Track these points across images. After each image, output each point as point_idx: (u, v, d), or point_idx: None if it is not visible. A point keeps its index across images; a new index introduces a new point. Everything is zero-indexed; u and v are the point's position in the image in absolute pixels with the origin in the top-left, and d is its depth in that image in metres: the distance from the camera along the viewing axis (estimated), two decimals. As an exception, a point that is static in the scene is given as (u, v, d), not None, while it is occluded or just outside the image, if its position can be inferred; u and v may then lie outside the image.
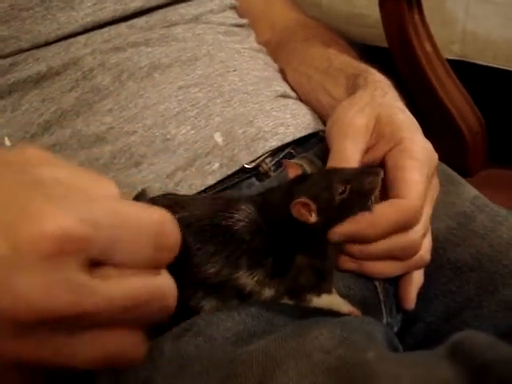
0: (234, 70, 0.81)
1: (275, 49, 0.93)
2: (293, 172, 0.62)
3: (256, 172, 0.75)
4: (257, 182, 0.74)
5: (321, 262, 0.60)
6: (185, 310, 0.57)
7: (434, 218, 0.68)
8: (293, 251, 0.58)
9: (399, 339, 0.64)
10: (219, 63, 0.81)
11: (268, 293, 0.58)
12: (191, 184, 0.71)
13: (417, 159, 0.63)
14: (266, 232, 0.57)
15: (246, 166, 0.74)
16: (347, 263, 0.63)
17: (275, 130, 0.77)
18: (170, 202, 0.59)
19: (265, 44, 0.92)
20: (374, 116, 0.67)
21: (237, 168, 0.73)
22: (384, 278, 0.66)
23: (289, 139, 0.77)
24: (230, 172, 0.73)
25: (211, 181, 0.72)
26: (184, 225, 0.56)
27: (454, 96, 0.97)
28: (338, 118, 0.68)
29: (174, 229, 0.37)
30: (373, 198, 0.60)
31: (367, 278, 0.65)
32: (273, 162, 0.76)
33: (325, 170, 0.63)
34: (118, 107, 0.74)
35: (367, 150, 0.66)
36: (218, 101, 0.77)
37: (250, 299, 0.58)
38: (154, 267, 0.36)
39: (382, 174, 0.60)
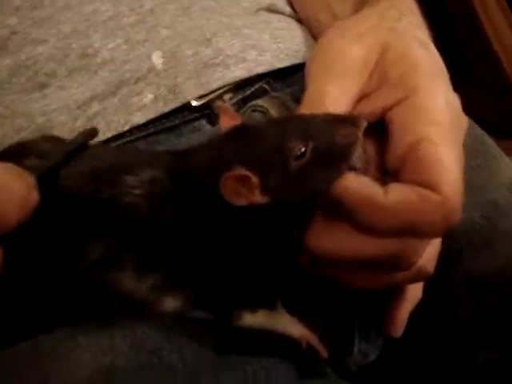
0: None
1: None
2: (226, 121, 0.40)
3: (208, 112, 0.53)
4: (208, 126, 0.53)
5: (263, 262, 0.39)
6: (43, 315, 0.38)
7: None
8: (216, 244, 0.37)
9: (378, 369, 0.44)
10: None
11: (170, 304, 0.37)
12: (110, 121, 0.51)
13: (442, 125, 0.40)
14: (171, 212, 0.36)
15: (192, 102, 0.52)
16: (310, 266, 0.42)
17: (242, 54, 0.54)
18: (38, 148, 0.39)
19: None
20: (378, 47, 0.44)
21: (178, 104, 0.52)
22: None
23: (261, 69, 0.55)
24: (167, 109, 0.52)
25: (140, 118, 0.51)
26: (55, 193, 0.36)
27: (504, 34, 0.73)
28: (323, 46, 0.46)
29: None
30: (356, 162, 0.38)
31: (339, 285, 0.44)
32: (234, 100, 0.54)
33: (275, 120, 0.41)
34: (28, 5, 0.53)
35: (361, 98, 0.44)
36: (172, 7, 0.56)
37: (144, 312, 0.38)
38: None
39: (364, 124, 0.38)
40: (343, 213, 0.37)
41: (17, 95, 0.51)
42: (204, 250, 0.37)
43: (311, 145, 0.36)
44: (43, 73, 0.51)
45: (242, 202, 0.35)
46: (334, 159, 0.37)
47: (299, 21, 0.64)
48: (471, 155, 0.51)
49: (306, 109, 0.42)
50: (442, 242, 0.44)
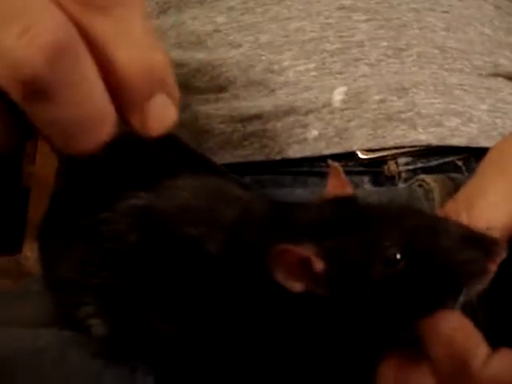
0: (445, 12, 0.50)
1: None
2: (333, 185, 0.32)
3: (376, 170, 0.45)
4: (369, 186, 0.45)
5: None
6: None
7: None
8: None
9: None
10: None
11: None
12: (265, 145, 0.46)
13: None
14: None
15: (359, 154, 0.45)
16: None
17: (440, 117, 0.45)
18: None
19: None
20: None
21: (341, 150, 0.45)
22: None
23: (457, 141, 0.46)
24: (328, 152, 0.45)
25: (295, 152, 0.45)
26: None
27: None
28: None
29: None
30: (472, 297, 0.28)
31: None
32: (411, 167, 0.45)
33: (394, 207, 0.31)
34: (241, 7, 0.51)
35: None
36: (384, 44, 0.48)
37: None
38: None
39: (502, 255, 0.27)
40: (428, 354, 0.28)
41: (194, 93, 0.50)
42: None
43: (412, 255, 0.27)
44: (225, 77, 0.49)
45: (296, 286, 0.28)
46: (440, 287, 0.27)
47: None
48: None
49: (454, 204, 0.33)
50: None
